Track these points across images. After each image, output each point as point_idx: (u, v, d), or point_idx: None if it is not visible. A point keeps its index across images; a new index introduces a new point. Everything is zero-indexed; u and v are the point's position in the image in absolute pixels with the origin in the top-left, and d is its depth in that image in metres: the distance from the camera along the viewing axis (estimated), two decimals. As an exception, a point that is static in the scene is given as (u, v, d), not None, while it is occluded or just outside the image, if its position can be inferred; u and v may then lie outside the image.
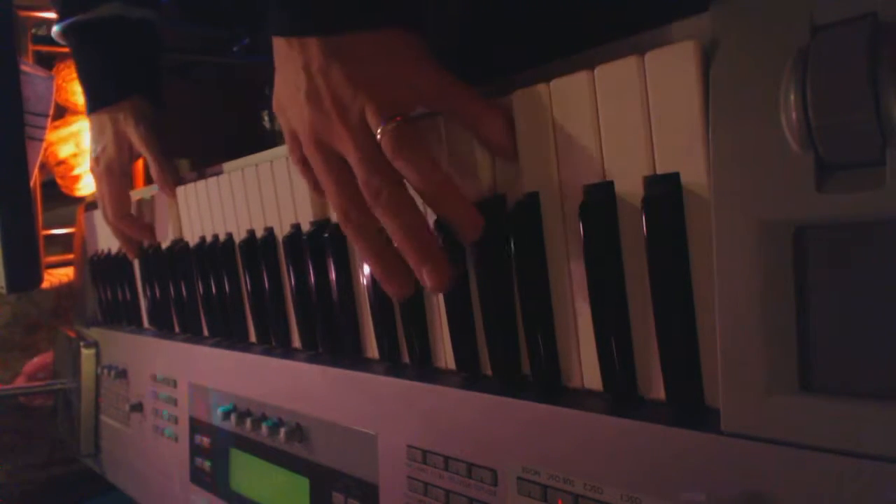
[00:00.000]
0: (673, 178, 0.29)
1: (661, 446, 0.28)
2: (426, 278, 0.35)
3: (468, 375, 0.39)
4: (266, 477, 0.52)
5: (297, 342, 0.52)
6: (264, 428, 0.50)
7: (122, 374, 0.75)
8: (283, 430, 0.48)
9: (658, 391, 0.31)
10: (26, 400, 1.03)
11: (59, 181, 1.23)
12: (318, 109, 0.36)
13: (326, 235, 0.46)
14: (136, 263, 0.74)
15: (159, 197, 0.68)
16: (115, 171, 0.69)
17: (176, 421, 0.64)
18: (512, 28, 0.53)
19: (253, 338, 0.57)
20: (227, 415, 0.55)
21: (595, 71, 0.31)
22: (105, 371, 0.77)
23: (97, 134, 0.71)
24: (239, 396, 0.55)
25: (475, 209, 0.35)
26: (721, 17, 0.27)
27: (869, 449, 0.23)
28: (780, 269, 0.25)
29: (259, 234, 0.54)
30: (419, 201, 0.36)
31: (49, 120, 0.94)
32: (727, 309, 0.26)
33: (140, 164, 1.04)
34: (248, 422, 0.52)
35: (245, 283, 0.55)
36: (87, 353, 0.81)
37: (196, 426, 0.61)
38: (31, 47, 1.16)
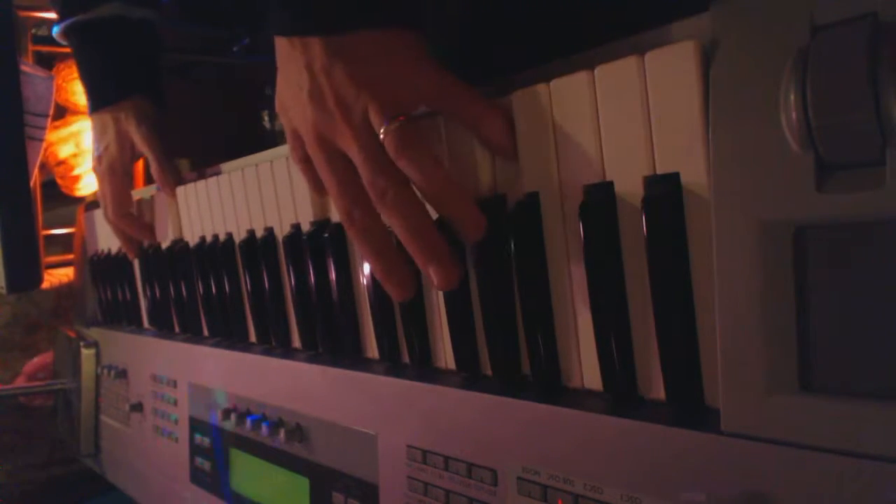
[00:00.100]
0: (673, 178, 0.29)
1: (661, 446, 0.28)
2: (433, 276, 0.35)
3: (468, 375, 0.39)
4: (266, 477, 0.52)
5: (297, 342, 0.52)
6: (264, 428, 0.50)
7: (122, 374, 0.75)
8: (283, 430, 0.48)
9: (658, 391, 0.31)
10: (26, 400, 1.03)
11: (59, 181, 1.23)
12: (321, 109, 0.36)
13: (326, 235, 0.46)
14: (136, 263, 0.74)
15: (159, 197, 0.68)
16: (117, 170, 0.70)
17: (176, 421, 0.64)
18: (512, 28, 0.53)
19: (253, 338, 0.57)
20: (227, 415, 0.55)
21: (595, 71, 0.31)
22: (105, 371, 0.77)
23: (99, 134, 0.71)
24: (239, 396, 0.55)
25: (478, 209, 0.35)
26: (721, 17, 0.27)
27: (869, 449, 0.23)
28: (780, 269, 0.25)
29: (259, 234, 0.54)
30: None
31: (49, 120, 0.94)
32: (727, 309, 0.26)
33: (140, 163, 1.03)
34: (248, 422, 0.52)
35: (245, 283, 0.55)
36: (87, 353, 0.81)
37: (196, 426, 0.61)
38: (31, 47, 1.16)
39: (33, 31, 1.16)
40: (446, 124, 0.38)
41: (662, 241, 0.29)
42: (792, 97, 0.24)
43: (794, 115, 0.24)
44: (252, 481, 0.54)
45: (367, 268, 0.44)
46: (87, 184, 1.22)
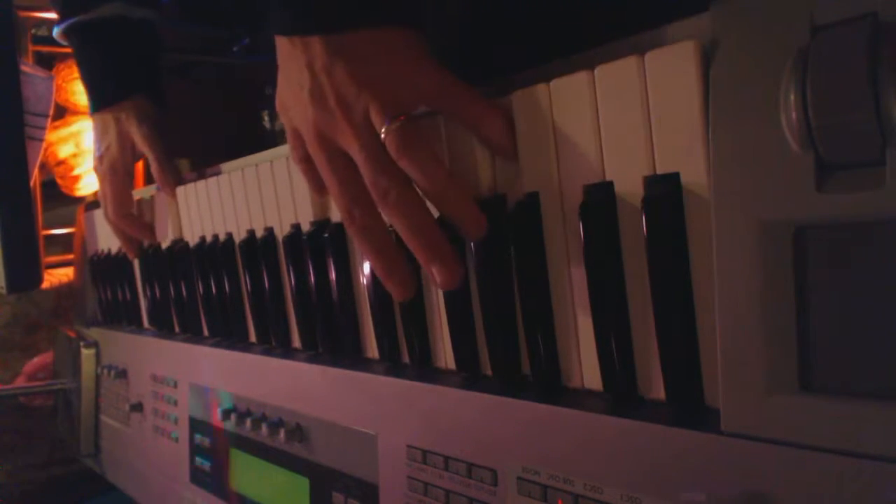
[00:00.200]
0: (673, 178, 0.29)
1: (661, 446, 0.28)
2: (436, 275, 0.35)
3: (468, 375, 0.39)
4: (266, 477, 0.52)
5: (297, 342, 0.52)
6: (264, 428, 0.50)
7: (122, 374, 0.75)
8: (283, 430, 0.48)
9: (658, 391, 0.31)
10: (26, 400, 1.03)
11: (59, 181, 1.23)
12: (322, 108, 0.36)
13: (326, 235, 0.46)
14: (136, 263, 0.74)
15: (159, 197, 0.68)
16: (118, 170, 0.70)
17: (176, 421, 0.64)
18: (512, 28, 0.53)
19: (253, 338, 0.57)
20: (227, 415, 0.55)
21: (595, 71, 0.31)
22: (105, 371, 0.77)
23: (100, 133, 0.71)
24: (239, 396, 0.55)
25: (478, 208, 0.35)
26: (721, 17, 0.27)
27: (869, 449, 0.23)
28: (780, 269, 0.25)
29: (259, 234, 0.54)
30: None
31: (49, 120, 0.94)
32: (727, 309, 0.26)
33: (140, 163, 1.04)
34: (248, 422, 0.52)
35: (245, 283, 0.55)
36: (87, 353, 0.81)
37: (196, 426, 0.61)
38: (31, 47, 1.16)
39: (33, 31, 1.16)
40: (446, 124, 0.38)
41: (662, 241, 0.29)
42: (792, 97, 0.24)
43: (794, 115, 0.24)
44: (252, 481, 0.54)
45: (367, 267, 0.44)
46: (87, 184, 1.22)
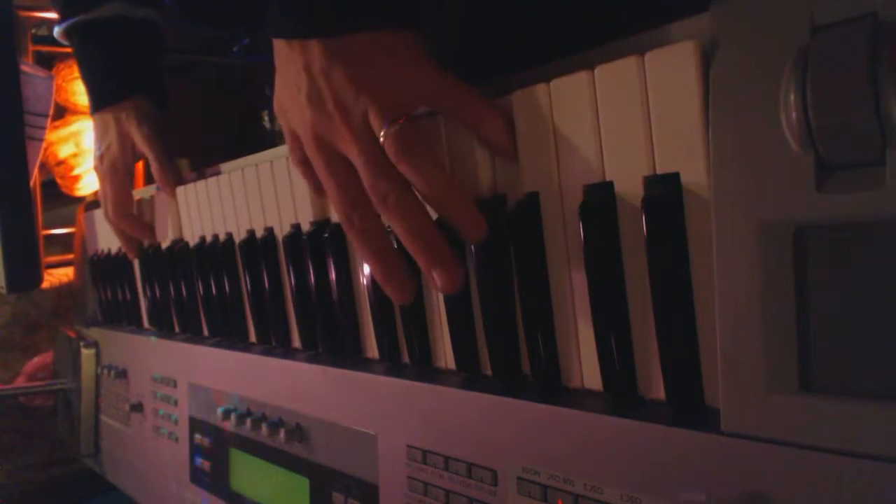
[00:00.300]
0: (673, 178, 0.29)
1: (661, 446, 0.28)
2: (437, 280, 0.35)
3: (468, 375, 0.39)
4: (266, 477, 0.52)
5: (297, 342, 0.52)
6: (264, 428, 0.50)
7: (122, 374, 0.75)
8: (283, 430, 0.48)
9: (658, 391, 0.31)
10: (26, 400, 1.03)
11: (59, 181, 1.23)
12: (320, 111, 0.36)
13: (326, 235, 0.46)
14: (136, 263, 0.74)
15: (159, 197, 0.69)
16: (118, 170, 0.70)
17: (176, 421, 0.64)
18: (512, 28, 0.53)
19: (253, 338, 0.57)
20: (227, 415, 0.55)
21: (595, 71, 0.31)
22: (105, 371, 0.77)
23: (101, 133, 0.71)
24: (239, 396, 0.55)
25: (478, 211, 0.35)
26: (721, 17, 0.27)
27: (869, 449, 0.23)
28: (780, 269, 0.25)
29: (259, 234, 0.54)
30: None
31: (49, 120, 0.94)
32: (727, 309, 0.26)
33: (140, 163, 1.04)
34: (248, 422, 0.52)
35: (245, 283, 0.55)
36: (87, 353, 0.81)
37: (196, 426, 0.61)
38: (31, 47, 1.16)
39: (33, 31, 1.16)
40: (446, 124, 0.38)
41: (662, 241, 0.29)
42: (792, 97, 0.24)
43: (794, 115, 0.24)
44: (252, 481, 0.54)
45: (367, 268, 0.44)
46: (87, 184, 1.22)
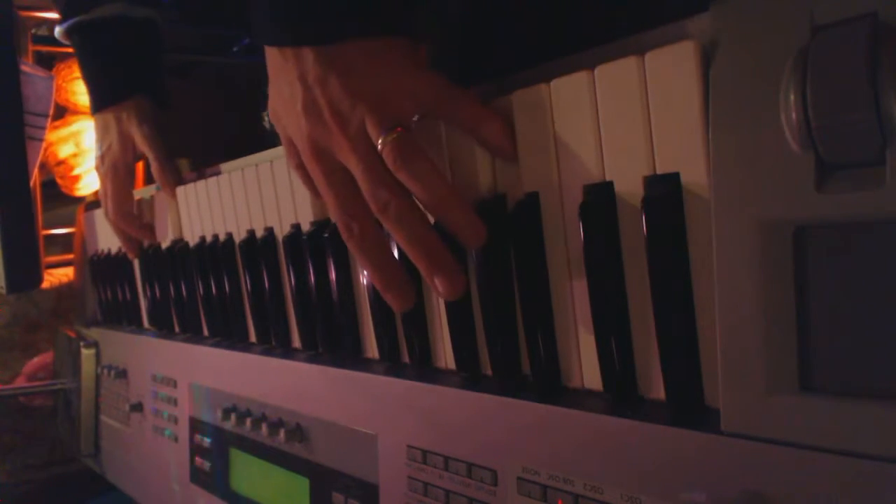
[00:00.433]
0: (673, 178, 0.29)
1: (661, 446, 0.28)
2: (439, 286, 0.35)
3: (468, 375, 0.39)
4: (266, 477, 0.52)
5: (297, 342, 0.52)
6: (264, 428, 0.50)
7: (122, 374, 0.75)
8: (283, 430, 0.48)
9: (658, 391, 0.31)
10: (26, 400, 1.04)
11: (59, 181, 1.23)
12: (316, 121, 0.36)
13: (326, 235, 0.46)
14: (136, 263, 0.75)
15: (159, 197, 0.69)
16: (119, 169, 0.70)
17: (176, 421, 0.64)
18: (512, 28, 0.53)
19: (253, 338, 0.57)
20: (227, 415, 0.55)
21: (595, 71, 0.31)
22: (105, 371, 0.77)
23: (102, 133, 0.71)
24: (239, 396, 0.55)
25: (478, 218, 0.35)
26: (721, 17, 0.27)
27: (869, 449, 0.23)
28: (780, 269, 0.25)
29: (259, 234, 0.54)
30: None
31: (49, 120, 0.94)
32: (727, 309, 0.26)
33: (140, 163, 1.04)
34: (248, 422, 0.52)
35: (245, 283, 0.55)
36: (87, 353, 0.81)
37: (196, 426, 0.61)
38: (31, 47, 1.16)
39: (33, 31, 1.16)
40: (446, 125, 0.38)
41: (662, 241, 0.29)
42: (792, 97, 0.24)
43: (794, 115, 0.24)
44: (252, 481, 0.54)
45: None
46: (87, 184, 1.22)
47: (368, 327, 0.45)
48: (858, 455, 0.23)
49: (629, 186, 0.31)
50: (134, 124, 0.68)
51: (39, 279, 0.86)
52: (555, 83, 0.33)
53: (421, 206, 0.36)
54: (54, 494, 1.03)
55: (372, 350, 0.46)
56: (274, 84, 0.39)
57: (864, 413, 0.23)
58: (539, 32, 0.51)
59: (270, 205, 0.52)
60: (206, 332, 0.63)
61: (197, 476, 0.61)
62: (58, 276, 1.19)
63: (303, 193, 0.49)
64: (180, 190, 0.64)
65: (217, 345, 0.60)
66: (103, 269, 0.82)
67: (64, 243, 1.26)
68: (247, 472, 0.54)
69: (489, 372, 0.38)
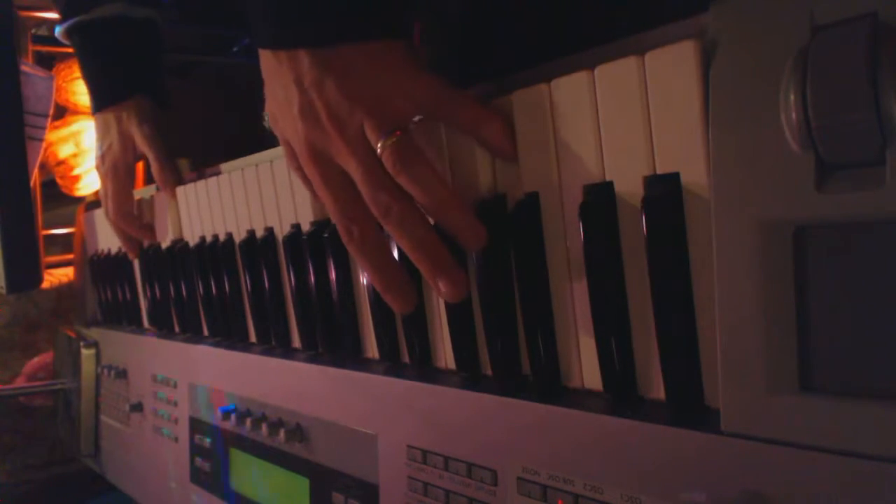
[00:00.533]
0: (673, 178, 0.29)
1: (661, 446, 0.28)
2: (442, 289, 0.35)
3: (468, 375, 0.39)
4: (266, 477, 0.52)
5: (297, 342, 0.52)
6: (264, 428, 0.50)
7: (122, 374, 0.75)
8: (283, 430, 0.48)
9: (658, 391, 0.31)
10: (26, 400, 1.04)
11: (59, 181, 1.23)
12: (314, 125, 0.36)
13: (326, 235, 0.46)
14: (136, 263, 0.75)
15: (159, 197, 0.69)
16: (119, 169, 0.70)
17: (176, 421, 0.64)
18: (512, 28, 0.53)
19: (253, 338, 0.57)
20: (227, 415, 0.55)
21: (595, 71, 0.31)
22: (105, 371, 0.77)
23: (102, 133, 0.71)
24: (239, 396, 0.55)
25: (478, 220, 0.35)
26: (721, 17, 0.27)
27: (869, 449, 0.23)
28: (780, 269, 0.25)
29: (259, 234, 0.54)
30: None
31: (49, 120, 0.94)
32: (727, 309, 0.26)
33: (140, 163, 1.04)
34: (248, 422, 0.52)
35: (245, 283, 0.55)
36: (87, 353, 0.81)
37: (196, 426, 0.61)
38: (31, 47, 1.16)
39: (33, 31, 1.16)
40: (446, 126, 0.38)
41: (662, 241, 0.29)
42: (792, 97, 0.24)
43: (794, 115, 0.24)
44: (252, 481, 0.54)
45: (367, 268, 0.44)
46: (87, 184, 1.22)
47: (368, 327, 0.45)
48: (858, 455, 0.23)
49: (629, 186, 0.31)
50: (134, 124, 0.68)
51: (39, 279, 0.86)
52: (555, 83, 0.33)
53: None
54: (54, 494, 1.03)
55: (372, 350, 0.46)
56: (269, 88, 0.38)
57: (864, 413, 0.23)
58: (539, 32, 0.51)
59: (270, 205, 0.52)
60: (206, 332, 0.63)
61: (197, 476, 0.61)
62: (58, 276, 1.19)
63: (303, 193, 0.49)
64: (180, 190, 0.64)
65: (217, 345, 0.60)
66: (103, 269, 0.82)
67: (64, 243, 1.26)
68: (247, 473, 0.54)
69: (489, 372, 0.38)
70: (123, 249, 0.74)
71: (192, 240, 0.63)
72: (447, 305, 0.39)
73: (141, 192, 0.73)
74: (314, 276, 0.48)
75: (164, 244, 0.68)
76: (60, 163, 1.19)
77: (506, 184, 0.36)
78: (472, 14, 0.55)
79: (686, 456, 0.27)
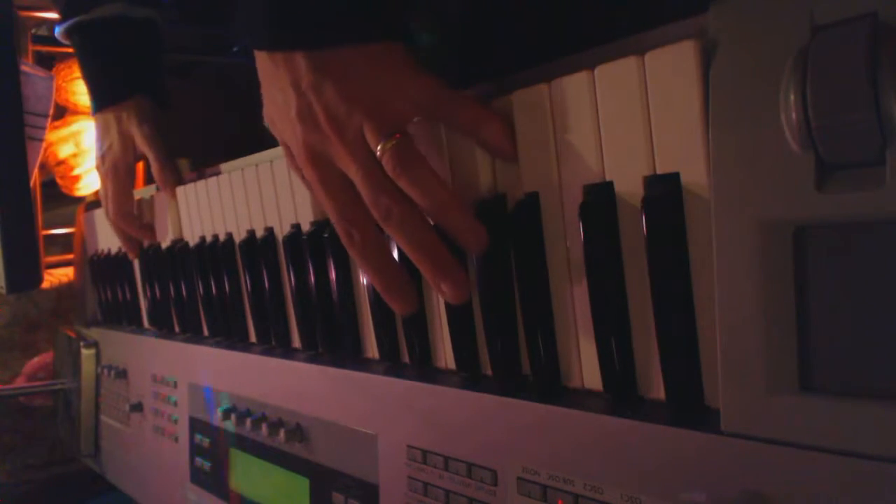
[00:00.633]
0: (673, 178, 0.29)
1: (661, 446, 0.28)
2: (445, 291, 0.35)
3: (468, 375, 0.39)
4: (266, 477, 0.52)
5: (297, 342, 0.52)
6: (264, 428, 0.50)
7: (122, 374, 0.75)
8: (283, 430, 0.48)
9: (658, 391, 0.31)
10: (26, 400, 1.04)
11: (59, 181, 1.22)
12: (312, 128, 0.36)
13: (326, 235, 0.46)
14: (136, 263, 0.75)
15: (159, 197, 0.69)
16: (119, 169, 0.70)
17: (176, 421, 0.64)
18: (512, 28, 0.53)
19: (253, 338, 0.57)
20: (227, 415, 0.55)
21: (595, 71, 0.31)
22: (105, 371, 0.77)
23: (102, 133, 0.71)
24: (239, 396, 0.55)
25: (479, 222, 0.35)
26: (721, 17, 0.27)
27: (869, 449, 0.23)
28: (780, 269, 0.25)
29: (259, 233, 0.54)
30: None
31: (49, 120, 0.94)
32: (727, 309, 0.26)
33: (140, 163, 1.04)
34: (248, 422, 0.52)
35: (245, 283, 0.55)
36: (87, 353, 0.81)
37: (196, 426, 0.61)
38: (31, 47, 1.16)
39: (33, 31, 1.16)
40: (445, 127, 0.38)
41: (662, 241, 0.29)
42: (792, 97, 0.24)
43: (794, 115, 0.24)
44: (252, 481, 0.54)
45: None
46: (87, 184, 1.22)
47: (368, 327, 0.45)
48: (858, 455, 0.23)
49: (629, 186, 0.31)
50: (134, 124, 0.68)
51: (39, 279, 0.86)
52: (555, 83, 0.33)
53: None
54: (54, 494, 1.03)
55: (372, 350, 0.46)
56: (266, 91, 0.38)
57: (864, 413, 0.23)
58: (539, 32, 0.51)
59: (270, 205, 0.52)
60: (206, 332, 0.63)
61: (197, 476, 0.61)
62: (58, 276, 1.19)
63: (303, 193, 0.49)
64: (180, 190, 0.64)
65: (217, 345, 0.60)
66: (103, 269, 0.82)
67: (64, 243, 1.26)
68: (247, 473, 0.54)
69: (489, 372, 0.38)
70: (123, 249, 0.74)
71: (192, 240, 0.63)
72: (447, 305, 0.39)
73: (141, 192, 0.73)
74: (314, 276, 0.48)
75: (164, 244, 0.68)
76: (60, 163, 1.19)
77: (506, 184, 0.36)
78: (472, 14, 0.55)
79: (686, 456, 0.27)
